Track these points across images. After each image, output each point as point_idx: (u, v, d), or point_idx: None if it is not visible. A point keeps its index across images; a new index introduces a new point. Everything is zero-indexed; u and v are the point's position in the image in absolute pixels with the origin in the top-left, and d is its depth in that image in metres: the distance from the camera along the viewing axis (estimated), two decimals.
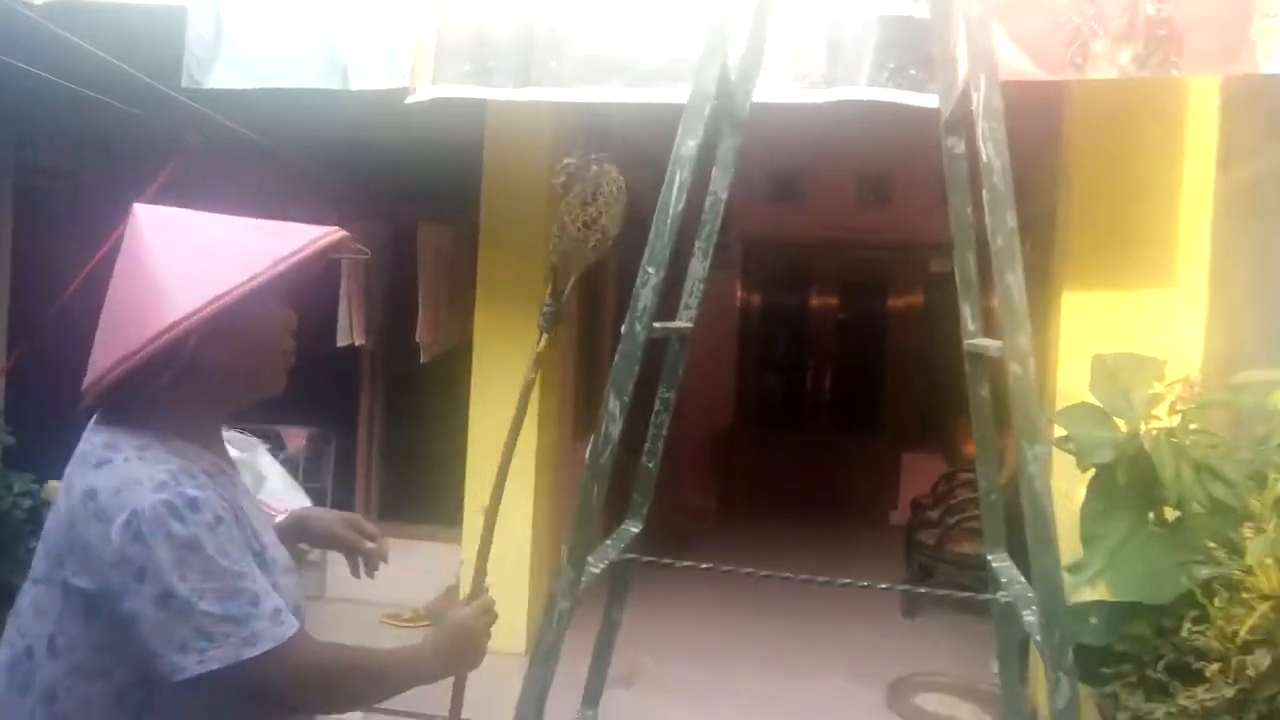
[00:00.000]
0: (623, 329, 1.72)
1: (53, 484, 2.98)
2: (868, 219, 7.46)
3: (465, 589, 4.66)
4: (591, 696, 2.18)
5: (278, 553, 1.46)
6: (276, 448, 5.10)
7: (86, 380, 1.37)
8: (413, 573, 4.93)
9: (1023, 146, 5.30)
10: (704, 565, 2.32)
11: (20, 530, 3.09)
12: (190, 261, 1.36)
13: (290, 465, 4.99)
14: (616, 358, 1.72)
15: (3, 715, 1.37)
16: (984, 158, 1.47)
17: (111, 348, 1.34)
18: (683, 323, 2.08)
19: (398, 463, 5.39)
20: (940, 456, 7.18)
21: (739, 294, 8.43)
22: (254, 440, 1.67)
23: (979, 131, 1.48)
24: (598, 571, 1.86)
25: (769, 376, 8.64)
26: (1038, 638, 1.52)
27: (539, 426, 4.59)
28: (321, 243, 1.43)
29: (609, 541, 2.01)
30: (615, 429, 1.70)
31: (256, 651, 1.28)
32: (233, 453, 1.55)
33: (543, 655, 1.70)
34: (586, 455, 1.75)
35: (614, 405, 1.70)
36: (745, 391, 8.47)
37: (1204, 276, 3.65)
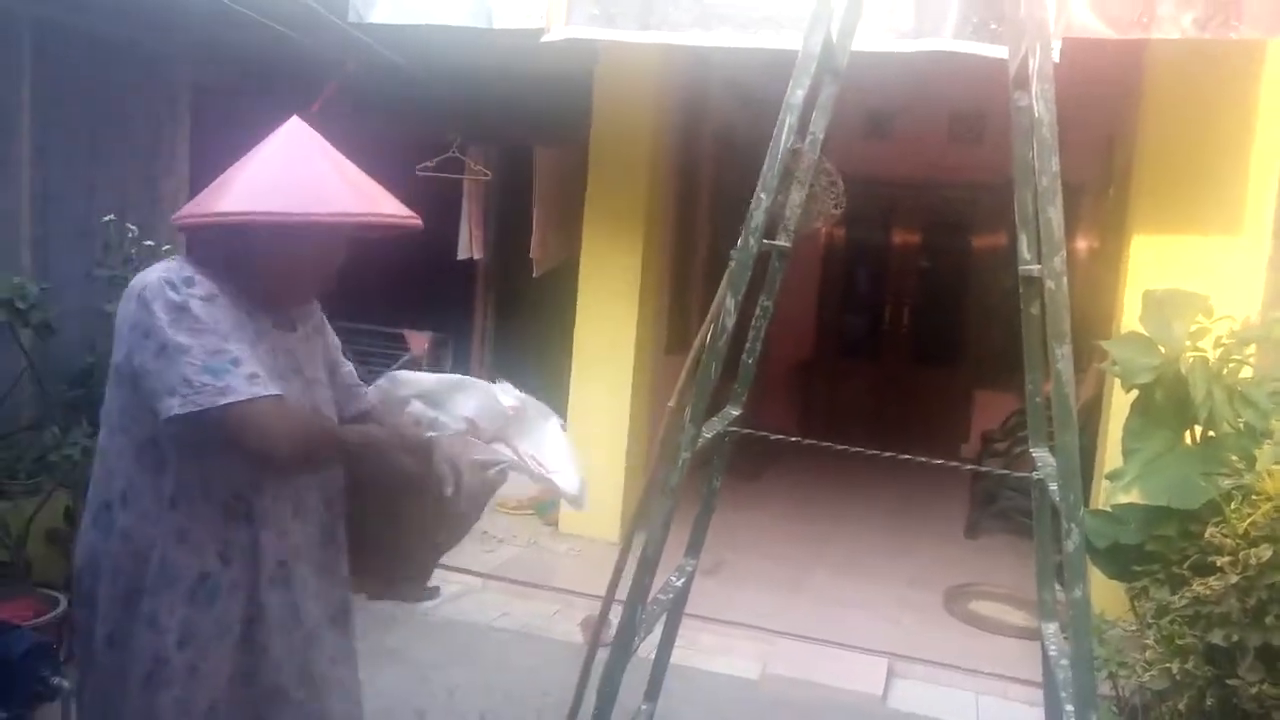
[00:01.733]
0: (739, 242, 2.12)
1: None
2: (958, 157, 7.61)
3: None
4: (693, 548, 2.64)
5: (285, 385, 1.68)
6: (400, 348, 5.67)
7: (179, 214, 1.72)
8: None
9: (1106, 102, 5.48)
10: (794, 438, 2.72)
11: None
12: (282, 175, 1.66)
13: (413, 364, 5.55)
14: (733, 265, 2.13)
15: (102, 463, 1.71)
16: (1035, 113, 1.82)
17: (199, 204, 1.69)
18: (783, 242, 2.48)
19: (508, 367, 5.89)
20: (1013, 394, 7.43)
21: (824, 229, 8.67)
22: (547, 410, 2.15)
23: (1033, 91, 1.83)
24: (709, 435, 2.29)
25: (850, 310, 8.89)
26: (1056, 495, 1.91)
27: (636, 340, 5.04)
28: (382, 219, 1.71)
29: (715, 418, 2.44)
30: (730, 321, 2.12)
31: (226, 400, 1.51)
32: (510, 403, 2.03)
33: (670, 490, 2.14)
34: (706, 341, 2.17)
35: (730, 303, 2.12)
36: (826, 325, 8.74)
37: (1269, 227, 3.88)
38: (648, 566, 2.10)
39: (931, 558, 5.27)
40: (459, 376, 2.08)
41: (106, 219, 3.92)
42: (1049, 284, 1.87)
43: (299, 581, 1.74)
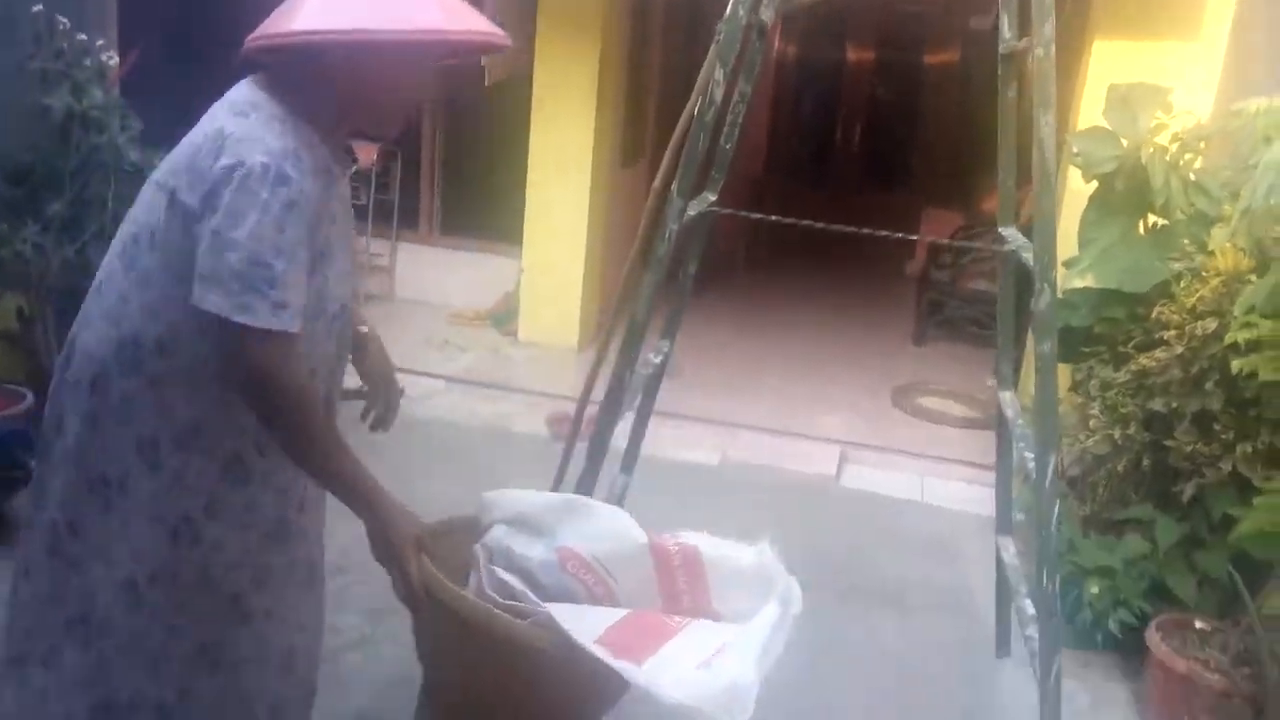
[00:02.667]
0: (726, 13, 2.11)
1: None
2: None
3: (523, 295, 5.21)
4: (669, 331, 2.72)
5: (341, 257, 1.62)
6: (349, 159, 5.52)
7: (250, 36, 1.52)
8: (475, 280, 5.50)
9: None
10: (758, 215, 2.79)
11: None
12: None
13: (362, 178, 5.43)
14: (721, 39, 2.12)
15: (108, 280, 1.57)
16: None
17: (276, 23, 1.50)
18: (765, 16, 2.45)
19: (460, 180, 5.81)
20: (959, 212, 7.57)
21: (775, 47, 8.51)
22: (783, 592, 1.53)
23: None
24: (694, 214, 2.33)
25: (801, 129, 8.87)
26: (1030, 261, 2.01)
27: (594, 150, 4.99)
28: (472, 37, 1.54)
29: (695, 199, 2.48)
30: (719, 93, 2.13)
31: (241, 318, 1.40)
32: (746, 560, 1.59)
33: (657, 264, 2.19)
34: (695, 113, 2.17)
35: (718, 74, 2.12)
36: (777, 143, 8.72)
37: (1225, 31, 3.93)
38: (637, 331, 2.17)
39: (881, 362, 5.49)
40: (580, 499, 1.73)
41: (35, 9, 3.68)
42: (1038, 51, 1.90)
43: None
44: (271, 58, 1.56)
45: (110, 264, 1.60)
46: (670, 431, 4.18)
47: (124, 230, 1.60)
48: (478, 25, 1.55)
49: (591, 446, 2.20)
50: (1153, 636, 2.62)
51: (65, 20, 3.80)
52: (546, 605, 1.45)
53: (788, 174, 8.74)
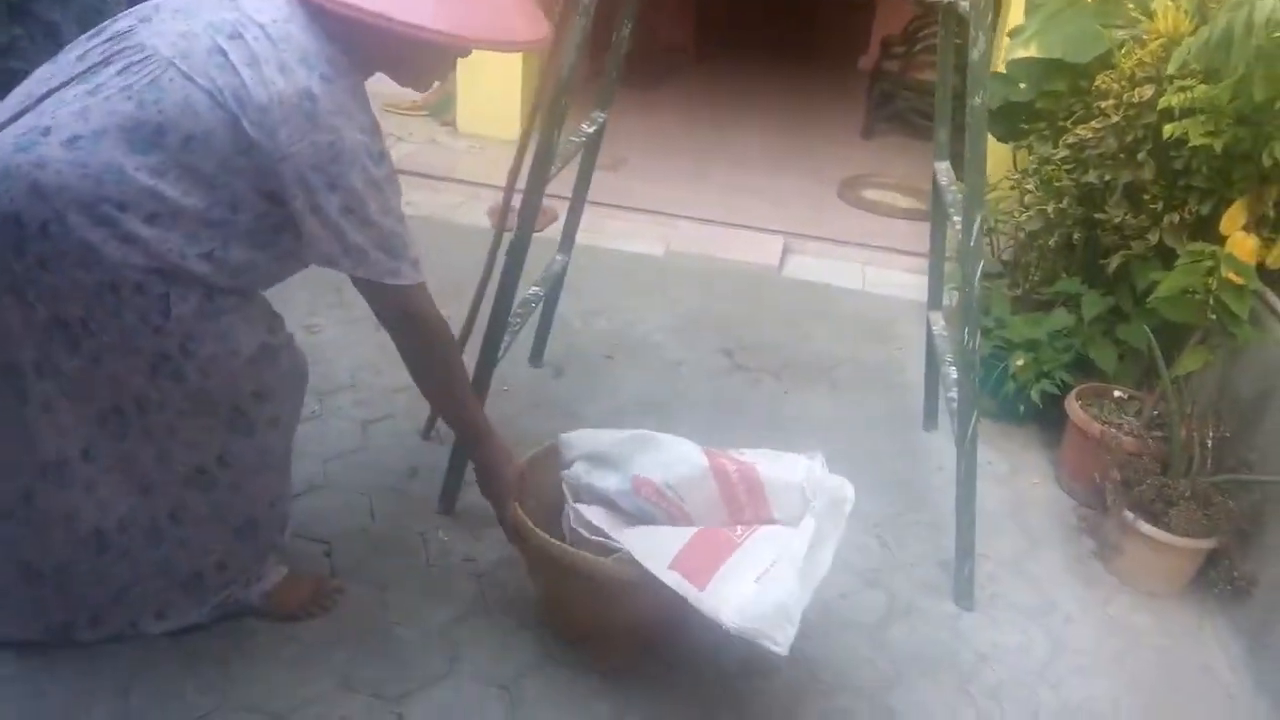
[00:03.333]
0: None
1: None
2: None
3: (460, 82, 4.99)
4: (603, 99, 2.62)
5: None
6: None
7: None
8: None
9: None
10: None
11: None
12: None
13: None
14: None
15: (93, 136, 1.50)
16: None
17: None
18: None
19: None
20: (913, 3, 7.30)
21: None
22: (838, 510, 1.86)
23: None
24: None
25: None
26: (967, 8, 1.94)
27: None
28: (518, 39, 1.67)
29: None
30: None
31: (395, 281, 1.66)
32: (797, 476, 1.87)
33: (584, 11, 2.07)
34: None
35: None
36: None
37: None
38: (563, 87, 2.09)
39: (828, 155, 5.42)
40: (647, 434, 1.94)
41: None
42: None
43: None
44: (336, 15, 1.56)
45: (98, 120, 1.51)
46: (615, 224, 4.14)
47: (128, 107, 1.51)
48: (521, 33, 1.68)
49: (521, 217, 2.15)
50: (1072, 404, 2.72)
51: None
52: (625, 533, 1.80)
53: None
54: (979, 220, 1.99)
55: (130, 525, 1.75)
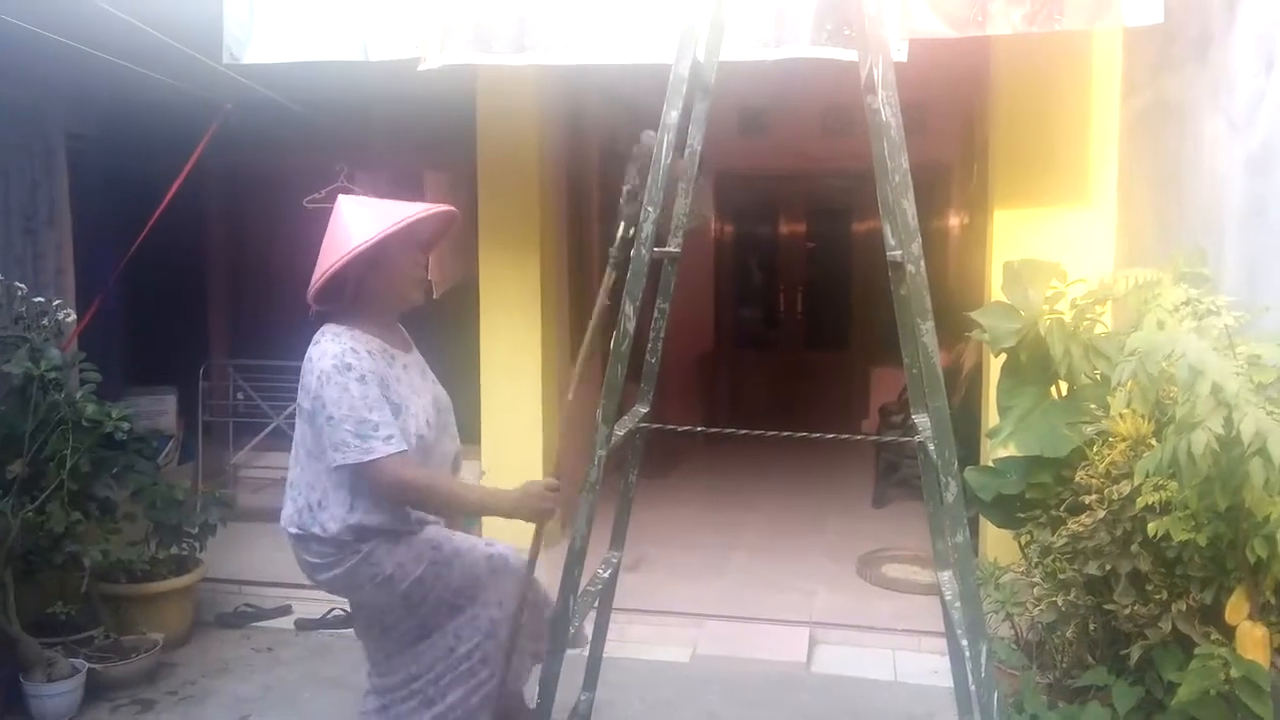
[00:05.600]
0: (632, 253, 2.29)
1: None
2: (833, 148, 7.92)
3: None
4: (617, 541, 2.80)
5: (415, 403, 2.53)
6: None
7: (309, 292, 2.46)
8: None
9: (964, 85, 5.84)
10: (700, 429, 2.90)
11: (122, 446, 3.68)
12: (354, 224, 2.45)
13: None
14: (629, 275, 2.30)
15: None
16: (882, 117, 2.03)
17: (314, 275, 2.44)
18: (673, 248, 2.65)
19: None
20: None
21: (713, 225, 8.94)
22: None
23: (879, 98, 2.04)
24: (622, 434, 2.45)
25: (745, 302, 9.19)
26: (934, 455, 2.13)
27: (542, 351, 5.18)
28: (425, 214, 2.51)
29: (626, 417, 2.60)
30: (630, 325, 2.29)
31: (369, 458, 2.34)
32: None
33: (589, 489, 2.29)
34: (611, 346, 2.32)
35: (629, 309, 2.29)
36: (723, 317, 9.01)
37: (1112, 194, 4.24)
38: (576, 558, 2.25)
39: (843, 530, 5.54)
40: None
41: None
42: (909, 268, 2.09)
43: None
44: (324, 300, 2.50)
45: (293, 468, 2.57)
46: (638, 629, 4.18)
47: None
48: (413, 212, 2.50)
49: (541, 685, 2.23)
50: None
51: (22, 286, 3.99)
52: None
53: (736, 342, 9.01)
54: (985, 651, 2.05)
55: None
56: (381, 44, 3.59)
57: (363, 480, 2.39)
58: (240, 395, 5.82)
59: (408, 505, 2.48)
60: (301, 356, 6.17)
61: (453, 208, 2.60)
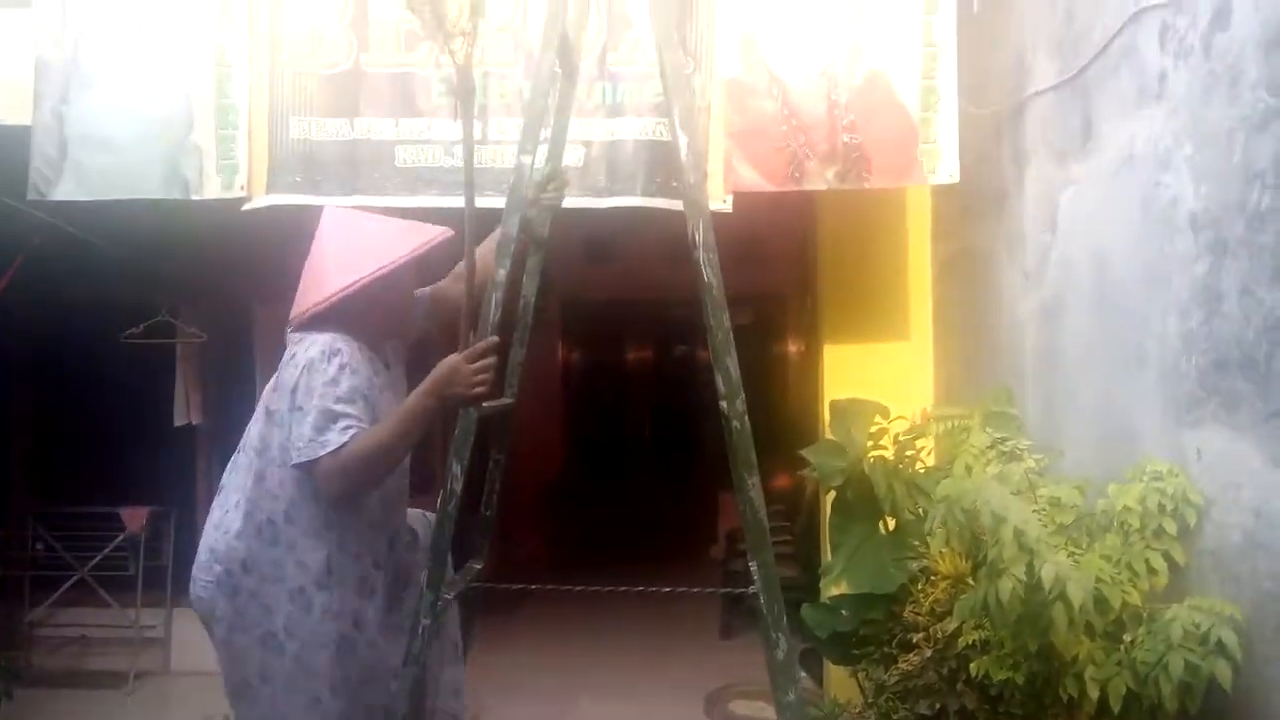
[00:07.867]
0: (459, 411, 2.23)
1: None
2: (676, 277, 8.10)
3: None
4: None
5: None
6: (116, 528, 5.26)
7: (291, 314, 2.36)
8: None
9: (795, 219, 6.14)
10: (535, 586, 2.81)
11: None
12: (374, 239, 2.33)
13: (131, 543, 5.18)
14: (456, 432, 2.24)
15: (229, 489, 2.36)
16: (704, 278, 2.09)
17: (306, 297, 2.33)
18: (507, 400, 2.61)
19: None
20: None
21: (560, 353, 8.99)
22: None
23: (700, 259, 2.10)
24: (450, 597, 2.34)
25: (592, 429, 9.21)
26: (764, 610, 2.12)
27: None
28: (427, 244, 2.35)
29: (458, 575, 2.50)
30: (458, 486, 2.21)
31: (322, 453, 2.16)
32: None
33: (413, 659, 2.16)
34: (437, 505, 2.24)
35: (455, 469, 2.21)
36: (571, 444, 9.00)
37: (929, 332, 4.50)
38: None
39: (691, 664, 5.46)
40: None
41: None
42: (734, 424, 2.12)
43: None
44: (315, 323, 2.33)
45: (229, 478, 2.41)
46: None
47: (247, 452, 2.38)
48: (427, 235, 2.37)
49: None
50: None
51: None
52: None
53: (585, 470, 8.96)
54: None
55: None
56: (203, 183, 3.49)
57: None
58: (40, 545, 5.32)
59: (361, 486, 2.27)
60: (115, 501, 5.74)
61: (448, 232, 2.42)
